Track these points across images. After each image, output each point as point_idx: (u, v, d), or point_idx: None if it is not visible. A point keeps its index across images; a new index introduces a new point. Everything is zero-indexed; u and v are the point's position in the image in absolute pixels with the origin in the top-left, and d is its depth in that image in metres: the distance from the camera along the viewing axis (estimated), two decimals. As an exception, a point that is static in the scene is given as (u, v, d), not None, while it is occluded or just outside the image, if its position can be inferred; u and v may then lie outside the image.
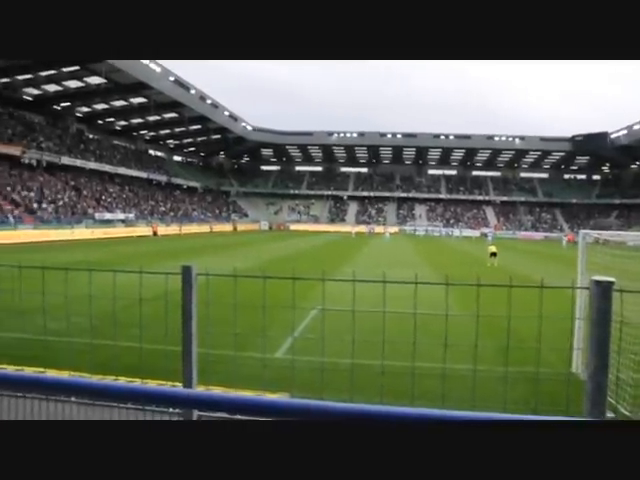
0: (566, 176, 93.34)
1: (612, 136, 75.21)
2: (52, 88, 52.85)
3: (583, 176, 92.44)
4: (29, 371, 5.56)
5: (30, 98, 54.91)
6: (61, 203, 47.48)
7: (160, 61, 52.97)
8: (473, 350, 2.81)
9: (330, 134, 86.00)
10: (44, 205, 45.11)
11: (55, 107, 58.82)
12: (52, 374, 2.97)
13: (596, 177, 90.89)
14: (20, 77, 48.78)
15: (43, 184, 48.56)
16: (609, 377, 2.15)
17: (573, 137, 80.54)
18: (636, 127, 68.43)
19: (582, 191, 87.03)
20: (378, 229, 76.51)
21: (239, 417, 1.59)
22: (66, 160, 53.41)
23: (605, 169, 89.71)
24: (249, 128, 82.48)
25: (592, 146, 78.40)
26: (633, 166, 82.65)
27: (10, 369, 5.95)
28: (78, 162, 55.26)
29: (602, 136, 76.27)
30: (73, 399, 3.58)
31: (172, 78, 56.57)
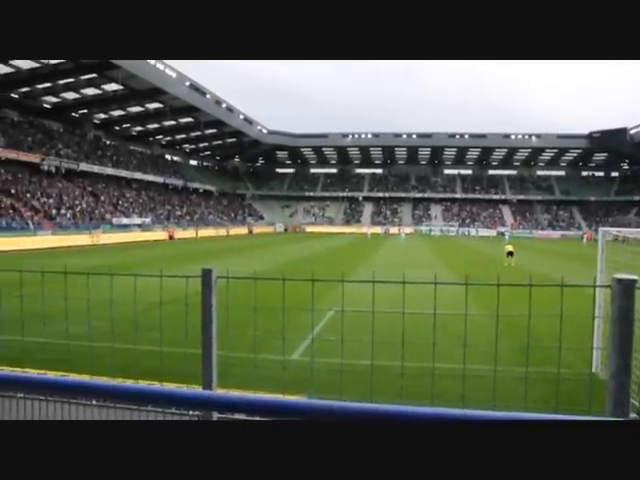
0: (584, 173, 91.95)
1: (631, 132, 73.50)
2: (70, 96, 53.71)
3: (601, 173, 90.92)
4: (51, 375, 5.64)
5: (49, 106, 55.83)
6: (79, 209, 48.13)
7: (175, 66, 53.43)
8: (491, 350, 2.79)
9: (345, 136, 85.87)
10: (63, 211, 45.75)
11: (73, 114, 59.73)
12: (73, 377, 3.02)
13: (614, 174, 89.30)
14: (39, 86, 49.62)
15: (62, 190, 49.28)
16: (631, 377, 2.12)
17: (591, 134, 79.27)
18: (657, 122, 66.99)
19: (600, 188, 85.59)
20: (393, 230, 76.23)
21: (258, 418, 1.60)
22: (84, 166, 54.11)
23: (624, 165, 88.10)
24: (264, 131, 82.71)
25: (610, 142, 76.99)
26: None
27: (33, 373, 6.04)
28: (96, 168, 55.95)
29: (621, 132, 74.72)
30: (94, 402, 3.63)
31: (187, 83, 56.98)
